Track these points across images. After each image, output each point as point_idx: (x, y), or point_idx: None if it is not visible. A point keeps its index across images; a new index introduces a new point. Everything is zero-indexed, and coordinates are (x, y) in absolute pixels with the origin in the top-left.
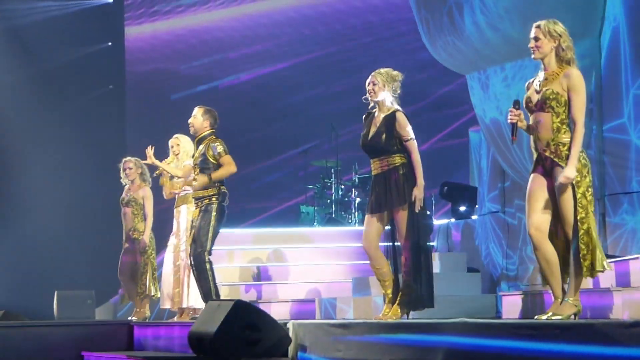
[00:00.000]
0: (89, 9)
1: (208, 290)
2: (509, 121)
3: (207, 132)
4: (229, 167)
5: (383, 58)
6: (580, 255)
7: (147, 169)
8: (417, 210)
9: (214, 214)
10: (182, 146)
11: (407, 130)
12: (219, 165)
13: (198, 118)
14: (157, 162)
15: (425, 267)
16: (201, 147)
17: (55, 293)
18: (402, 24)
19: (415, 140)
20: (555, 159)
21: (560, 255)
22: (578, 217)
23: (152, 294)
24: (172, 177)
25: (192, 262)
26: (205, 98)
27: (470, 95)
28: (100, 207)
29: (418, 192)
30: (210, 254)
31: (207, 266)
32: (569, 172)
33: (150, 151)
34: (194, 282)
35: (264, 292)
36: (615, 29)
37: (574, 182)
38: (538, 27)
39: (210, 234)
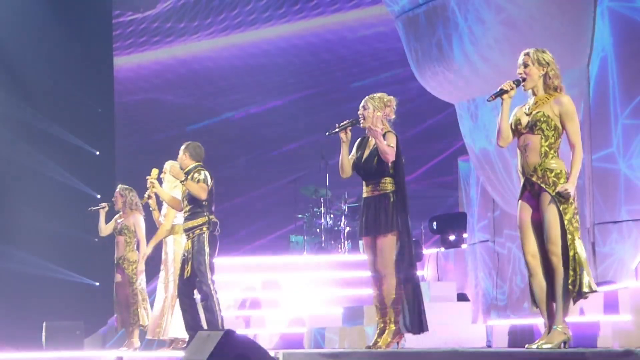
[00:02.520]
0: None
1: (215, 319)
2: (500, 86)
3: (192, 165)
4: (201, 190)
5: (372, 87)
6: (570, 281)
7: (136, 196)
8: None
9: (206, 243)
10: (167, 175)
11: (389, 141)
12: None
13: (180, 156)
14: (156, 186)
15: (414, 294)
16: (188, 179)
17: (44, 324)
18: (391, 54)
19: (394, 149)
20: (543, 185)
21: (548, 281)
22: (567, 244)
23: (146, 323)
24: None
25: (200, 295)
26: (195, 127)
27: (459, 124)
28: (89, 237)
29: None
30: (213, 283)
31: (214, 294)
32: (569, 185)
33: (154, 174)
34: (178, 312)
35: (253, 322)
36: (603, 59)
37: (561, 209)
38: (527, 54)
39: (207, 266)
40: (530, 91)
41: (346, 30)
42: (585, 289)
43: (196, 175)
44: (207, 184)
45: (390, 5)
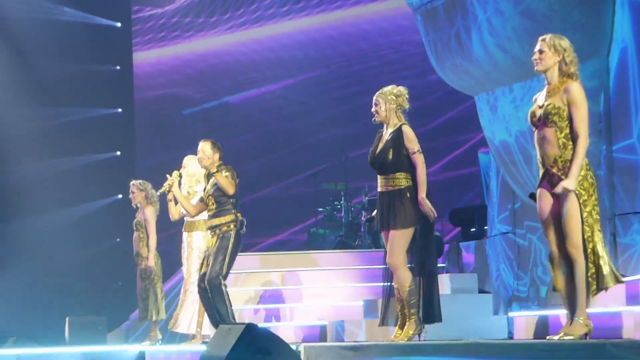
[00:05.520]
0: (96, 27)
1: (225, 314)
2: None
3: (218, 164)
4: (229, 186)
5: (391, 80)
6: (589, 274)
7: (155, 191)
8: (430, 219)
9: (231, 240)
10: (187, 170)
11: (414, 143)
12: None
13: (207, 152)
14: (176, 190)
15: (430, 287)
16: (213, 179)
17: (67, 319)
18: (410, 47)
19: (422, 154)
20: (563, 177)
21: (568, 273)
22: (585, 237)
23: (154, 318)
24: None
25: (208, 287)
26: (215, 122)
27: (479, 117)
28: (110, 231)
29: (423, 205)
30: (225, 278)
31: (223, 289)
32: (567, 183)
33: (175, 176)
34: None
35: (274, 316)
36: (623, 50)
37: (581, 201)
38: (543, 40)
39: (227, 260)
40: (545, 80)
41: (365, 23)
42: (605, 284)
43: (224, 171)
44: (234, 180)
45: None
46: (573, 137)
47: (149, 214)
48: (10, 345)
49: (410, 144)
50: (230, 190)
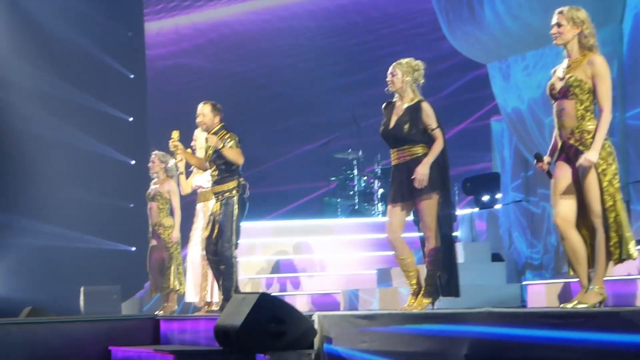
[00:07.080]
0: None
1: (230, 285)
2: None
3: (218, 127)
4: (238, 157)
5: (403, 49)
6: (611, 244)
7: (174, 164)
8: (417, 186)
9: (235, 206)
10: (198, 142)
11: (433, 120)
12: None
13: (208, 115)
14: (180, 150)
15: (449, 256)
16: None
17: (82, 288)
18: (422, 15)
19: (441, 130)
20: (580, 147)
21: (588, 244)
22: (606, 206)
23: (177, 288)
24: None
25: (220, 257)
26: (226, 92)
27: (491, 84)
28: (125, 201)
29: (421, 168)
30: (236, 247)
31: (234, 262)
32: (591, 155)
33: (175, 136)
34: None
35: (287, 285)
36: (637, 16)
37: (600, 171)
38: (561, 12)
39: (234, 227)
40: (565, 52)
41: None
42: (624, 255)
43: (229, 141)
44: (240, 148)
45: None
46: (593, 109)
47: (174, 187)
48: (25, 315)
49: (430, 120)
50: (240, 160)
